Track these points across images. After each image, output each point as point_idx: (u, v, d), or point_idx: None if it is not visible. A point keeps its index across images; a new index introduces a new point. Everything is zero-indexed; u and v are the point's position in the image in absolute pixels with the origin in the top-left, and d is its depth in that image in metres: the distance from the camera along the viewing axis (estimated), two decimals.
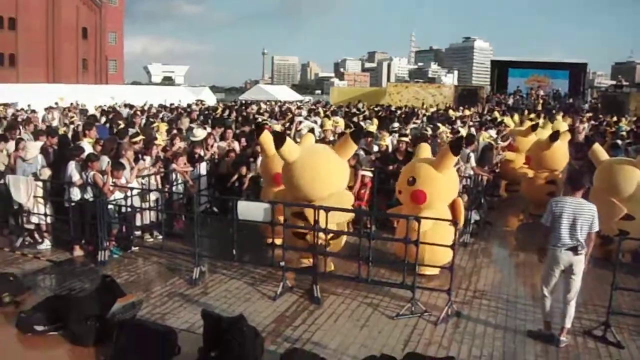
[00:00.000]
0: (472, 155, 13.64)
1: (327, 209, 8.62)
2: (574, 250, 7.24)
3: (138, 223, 11.45)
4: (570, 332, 7.65)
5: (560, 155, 14.74)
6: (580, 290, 8.94)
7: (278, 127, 18.27)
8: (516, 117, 25.56)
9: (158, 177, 12.36)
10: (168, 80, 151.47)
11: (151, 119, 24.00)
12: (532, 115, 27.73)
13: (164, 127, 17.57)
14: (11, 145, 12.61)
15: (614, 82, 67.15)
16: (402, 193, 9.76)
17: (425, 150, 10.42)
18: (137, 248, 11.07)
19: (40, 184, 10.94)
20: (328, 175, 9.32)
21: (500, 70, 58.13)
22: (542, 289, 7.67)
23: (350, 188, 11.10)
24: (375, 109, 36.12)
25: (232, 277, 9.72)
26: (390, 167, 12.61)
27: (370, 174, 12.28)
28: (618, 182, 10.61)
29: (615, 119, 31.79)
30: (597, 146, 11.66)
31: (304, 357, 4.96)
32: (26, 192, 10.82)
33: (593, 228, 7.28)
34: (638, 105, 43.21)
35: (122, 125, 17.25)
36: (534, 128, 17.02)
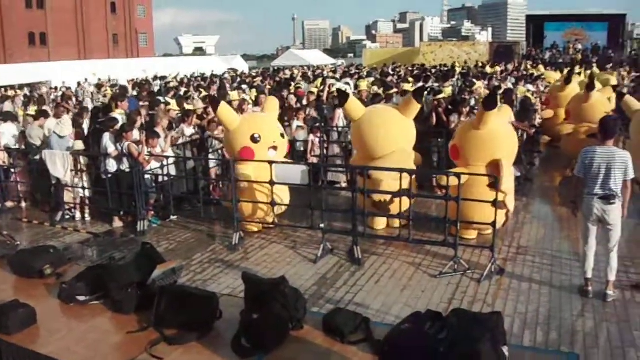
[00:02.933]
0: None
1: (365, 169, 8.53)
2: (606, 199, 7.04)
3: (176, 192, 11.47)
4: (618, 287, 7.47)
5: (600, 107, 14.28)
6: (627, 243, 8.88)
7: (313, 89, 18.20)
8: (558, 73, 24.97)
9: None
10: (199, 51, 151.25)
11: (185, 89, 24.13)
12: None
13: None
14: (51, 121, 12.68)
15: None
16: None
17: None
18: (175, 217, 11.11)
19: (78, 158, 10.99)
20: (392, 133, 9.59)
21: (536, 25, 56.85)
22: (582, 244, 7.52)
23: None
24: (410, 69, 35.70)
25: (272, 241, 9.73)
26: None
27: None
28: None
29: None
30: (628, 97, 11.40)
31: (347, 317, 4.87)
32: (63, 166, 10.89)
33: (628, 176, 7.04)
34: None
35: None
36: (567, 81, 16.60)
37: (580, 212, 7.43)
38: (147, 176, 10.64)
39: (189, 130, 12.44)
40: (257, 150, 9.67)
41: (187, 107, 14.97)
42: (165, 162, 10.82)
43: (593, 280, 7.43)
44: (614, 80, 19.84)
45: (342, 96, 9.82)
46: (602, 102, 14.24)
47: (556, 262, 8.60)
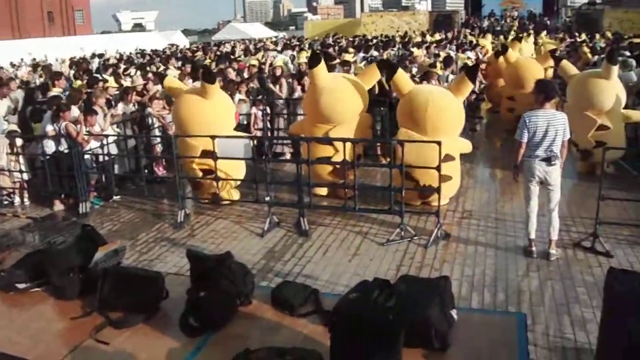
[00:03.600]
0: (450, 77, 13.48)
1: (309, 140, 8.51)
2: (548, 161, 7.20)
3: (117, 171, 11.24)
4: (560, 246, 7.69)
5: (533, 71, 14.54)
6: (568, 203, 9.14)
7: (254, 62, 18.05)
8: (490, 37, 25.38)
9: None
10: (139, 27, 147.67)
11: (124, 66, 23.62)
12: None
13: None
14: None
15: (587, 0, 66.50)
16: None
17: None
18: (118, 197, 10.88)
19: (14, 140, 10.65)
20: (354, 100, 9.75)
21: None
22: (525, 205, 7.66)
23: None
24: (351, 39, 35.70)
25: (217, 217, 9.62)
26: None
27: None
28: (588, 95, 10.49)
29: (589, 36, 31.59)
30: (565, 62, 11.56)
31: (296, 289, 4.84)
32: None
33: (565, 136, 7.25)
34: (612, 22, 42.51)
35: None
36: (497, 55, 16.82)
37: (521, 175, 7.53)
38: (86, 156, 10.38)
39: (128, 108, 12.17)
40: None
41: (126, 84, 14.68)
42: (105, 141, 10.55)
43: (537, 241, 7.62)
44: (553, 46, 20.30)
45: (315, 59, 9.75)
46: (534, 67, 14.56)
47: (500, 224, 8.77)
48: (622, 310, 3.63)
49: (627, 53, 16.92)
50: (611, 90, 10.34)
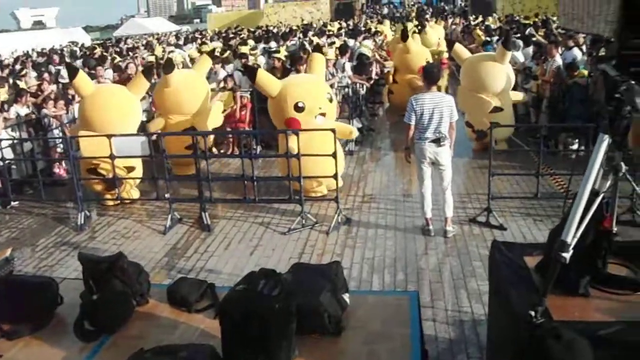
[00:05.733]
0: (347, 64, 13.64)
1: (206, 134, 8.48)
2: (437, 142, 7.43)
3: (15, 176, 10.87)
4: (457, 222, 7.98)
5: (420, 57, 14.94)
6: (463, 181, 9.43)
7: (151, 58, 17.85)
8: (388, 23, 25.91)
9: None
10: (39, 25, 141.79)
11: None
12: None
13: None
14: None
15: None
16: None
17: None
18: (16, 202, 10.50)
19: None
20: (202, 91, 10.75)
21: None
22: (420, 186, 7.89)
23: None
24: (253, 31, 35.60)
25: (119, 217, 9.45)
26: None
27: (248, 95, 12.11)
28: (481, 78, 10.86)
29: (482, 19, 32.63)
30: (457, 46, 11.90)
31: (192, 285, 4.83)
32: None
33: (453, 118, 7.51)
34: (505, 5, 43.85)
35: None
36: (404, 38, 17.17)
37: (414, 157, 7.74)
38: None
39: (23, 110, 11.76)
40: None
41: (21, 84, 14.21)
42: None
43: (433, 219, 7.86)
44: (440, 30, 20.98)
45: (168, 65, 10.51)
46: (422, 53, 15.02)
47: (400, 206, 9.00)
48: (505, 281, 3.81)
49: (518, 35, 17.55)
50: (503, 73, 10.77)
